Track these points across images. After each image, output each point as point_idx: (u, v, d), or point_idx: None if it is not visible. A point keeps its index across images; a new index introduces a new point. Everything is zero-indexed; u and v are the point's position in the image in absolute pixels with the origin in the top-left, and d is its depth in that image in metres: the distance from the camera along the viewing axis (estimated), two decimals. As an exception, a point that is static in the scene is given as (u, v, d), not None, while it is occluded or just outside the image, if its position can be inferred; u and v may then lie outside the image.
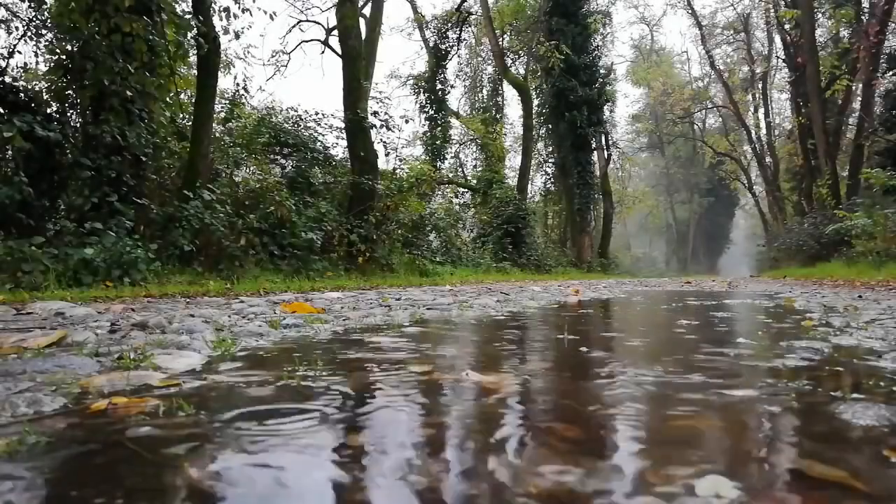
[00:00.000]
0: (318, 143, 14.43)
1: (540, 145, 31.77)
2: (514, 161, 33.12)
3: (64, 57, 7.98)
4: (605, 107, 29.92)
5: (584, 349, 2.21)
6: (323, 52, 28.11)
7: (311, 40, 25.87)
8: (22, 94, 7.66)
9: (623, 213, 44.54)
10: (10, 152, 7.07)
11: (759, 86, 35.64)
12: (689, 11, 35.51)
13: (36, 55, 8.94)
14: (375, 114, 13.69)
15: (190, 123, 10.30)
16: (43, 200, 7.37)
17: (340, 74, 13.03)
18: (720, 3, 45.92)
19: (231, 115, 13.86)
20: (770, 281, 15.61)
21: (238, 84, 15.55)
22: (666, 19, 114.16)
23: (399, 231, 14.36)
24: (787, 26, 25.55)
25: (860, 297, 5.69)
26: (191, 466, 0.85)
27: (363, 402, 1.29)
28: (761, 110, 36.42)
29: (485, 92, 31.27)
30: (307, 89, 75.37)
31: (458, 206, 23.83)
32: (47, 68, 8.46)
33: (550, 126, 29.03)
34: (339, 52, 14.53)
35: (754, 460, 0.90)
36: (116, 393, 1.31)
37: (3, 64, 8.00)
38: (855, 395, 1.31)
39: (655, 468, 0.86)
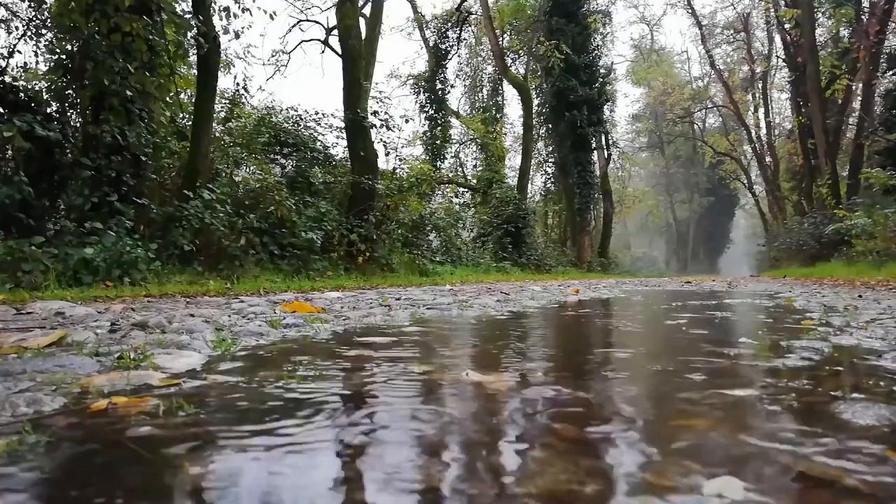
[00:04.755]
0: (318, 143, 14.43)
1: (540, 145, 31.77)
2: (514, 161, 33.14)
3: (64, 57, 7.98)
4: (605, 106, 29.93)
5: (583, 349, 2.21)
6: (323, 52, 28.17)
7: (311, 40, 25.95)
8: (22, 94, 7.66)
9: (623, 213, 44.55)
10: (10, 152, 7.07)
11: (759, 85, 35.64)
12: (689, 11, 35.50)
13: (36, 55, 8.94)
14: (375, 113, 13.69)
15: (190, 123, 10.30)
16: (43, 200, 7.37)
17: (340, 74, 13.03)
18: (720, 2, 46.14)
19: (231, 115, 13.85)
20: (770, 280, 15.61)
21: (238, 84, 15.54)
22: (666, 19, 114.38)
23: (399, 231, 14.36)
24: (787, 26, 25.55)
25: (860, 296, 5.69)
26: (191, 466, 0.85)
27: (363, 401, 1.29)
28: (761, 110, 36.45)
29: (485, 92, 31.29)
30: (307, 89, 75.41)
31: (458, 206, 23.82)
32: (47, 68, 8.45)
33: (550, 126, 29.02)
34: (339, 51, 14.53)
35: (754, 460, 0.90)
36: (116, 393, 1.31)
37: (3, 64, 8.00)
38: (855, 395, 1.31)
39: (655, 469, 0.85)
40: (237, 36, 10.05)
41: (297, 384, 1.45)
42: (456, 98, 32.62)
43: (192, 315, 3.22)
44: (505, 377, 1.56)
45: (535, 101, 28.37)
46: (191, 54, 10.35)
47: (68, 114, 8.26)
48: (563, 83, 26.25)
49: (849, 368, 1.72)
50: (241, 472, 0.83)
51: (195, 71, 10.43)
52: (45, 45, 8.76)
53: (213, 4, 9.56)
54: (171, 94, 9.80)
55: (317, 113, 14.63)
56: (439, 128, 27.89)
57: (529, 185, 29.94)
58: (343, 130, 13.53)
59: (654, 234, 65.96)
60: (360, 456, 0.91)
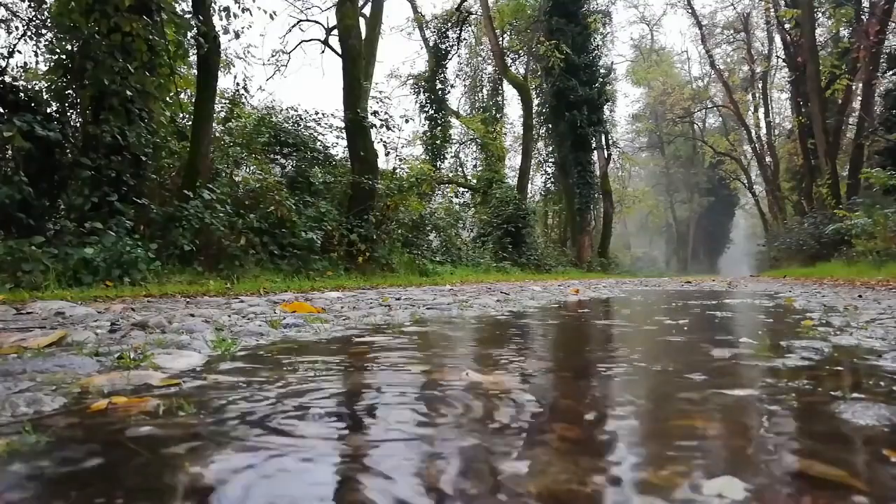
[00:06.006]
0: (318, 143, 14.43)
1: (540, 145, 31.78)
2: (514, 161, 33.17)
3: (64, 57, 7.98)
4: (605, 106, 29.94)
5: (584, 348, 2.21)
6: (323, 52, 28.22)
7: (311, 40, 25.99)
8: (22, 94, 7.66)
9: (623, 213, 44.55)
10: (10, 152, 7.07)
11: (759, 85, 35.64)
12: (689, 11, 35.49)
13: (36, 55, 8.94)
14: (375, 113, 13.68)
15: (190, 123, 10.30)
16: (43, 200, 7.37)
17: (340, 74, 13.04)
18: (720, 2, 46.13)
19: (231, 115, 13.86)
20: (770, 280, 15.61)
21: (238, 84, 15.54)
22: (666, 19, 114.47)
23: (399, 231, 14.36)
24: (787, 26, 25.55)
25: (860, 296, 5.69)
26: (191, 466, 0.85)
27: (363, 402, 1.29)
28: (761, 110, 36.44)
29: (485, 92, 31.31)
30: (307, 89, 75.45)
31: (458, 206, 23.84)
32: (47, 68, 8.45)
33: (550, 126, 29.03)
34: (339, 51, 14.53)
35: (754, 460, 0.90)
36: (116, 393, 1.31)
37: (3, 64, 8.00)
38: (855, 395, 1.31)
39: (655, 468, 0.85)
40: (237, 36, 10.06)
41: (297, 384, 1.44)
42: (456, 98, 32.70)
43: (192, 315, 3.22)
44: (505, 377, 1.56)
45: (535, 101, 28.38)
46: (191, 54, 10.35)
47: (68, 114, 8.26)
48: (563, 83, 26.25)
49: (849, 368, 1.72)
50: (241, 472, 0.83)
51: (195, 71, 10.43)
52: (45, 45, 8.76)
53: (213, 4, 9.56)
54: (171, 94, 9.80)
55: (317, 113, 14.65)
56: (439, 128, 27.90)
57: (529, 185, 29.97)
58: (343, 130, 13.54)
59: (654, 234, 65.97)
60: (360, 456, 0.91)
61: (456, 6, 28.31)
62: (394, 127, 14.26)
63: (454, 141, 29.87)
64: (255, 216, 9.74)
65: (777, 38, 31.74)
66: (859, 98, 22.74)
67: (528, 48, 28.11)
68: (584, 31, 27.06)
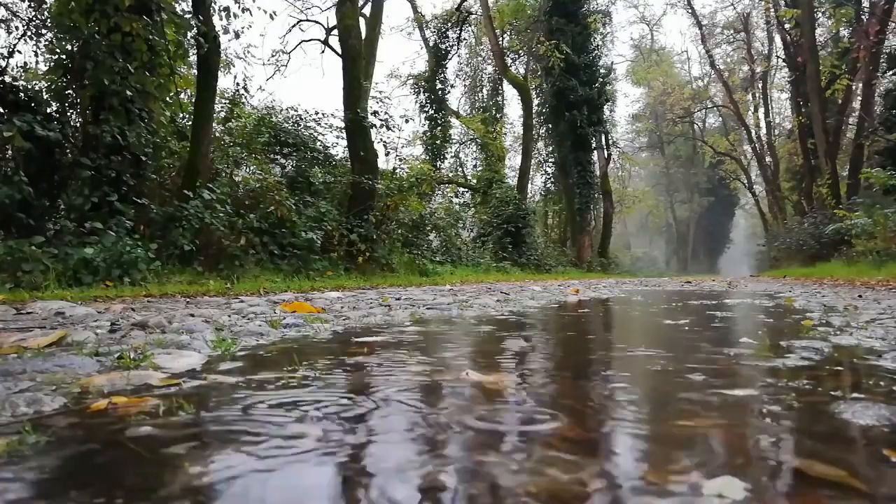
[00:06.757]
0: (318, 143, 14.43)
1: (540, 145, 31.78)
2: (514, 161, 33.17)
3: (64, 57, 7.98)
4: (605, 106, 29.93)
5: (583, 349, 2.21)
6: (323, 52, 28.25)
7: (311, 40, 26.03)
8: (22, 94, 7.66)
9: (623, 213, 44.55)
10: (10, 152, 7.07)
11: (759, 85, 35.63)
12: (689, 11, 35.48)
13: (36, 55, 8.94)
14: (375, 113, 13.68)
15: (190, 123, 10.30)
16: (43, 200, 7.37)
17: (340, 74, 13.04)
18: (720, 2, 46.13)
19: (231, 115, 13.86)
20: (770, 280, 15.61)
21: (238, 84, 15.53)
22: (666, 19, 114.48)
23: (399, 231, 14.36)
24: (787, 26, 25.54)
25: (860, 296, 5.69)
26: (191, 466, 0.85)
27: (363, 402, 1.29)
28: (761, 110, 36.43)
29: (485, 92, 31.31)
30: (307, 89, 75.50)
31: (458, 206, 23.82)
32: (47, 68, 8.45)
33: (550, 126, 29.04)
34: (339, 51, 14.53)
35: (754, 460, 0.90)
36: (116, 393, 1.31)
37: (3, 64, 8.00)
38: (855, 395, 1.31)
39: (655, 468, 0.85)
40: (237, 36, 10.06)
41: (297, 384, 1.44)
42: (456, 98, 32.71)
43: (192, 315, 3.22)
44: (505, 377, 1.56)
45: (535, 101, 28.38)
46: (191, 54, 10.35)
47: (68, 114, 8.26)
48: (563, 83, 26.25)
49: (849, 368, 1.72)
50: (240, 472, 0.83)
51: (195, 71, 10.43)
52: (45, 45, 8.76)
53: (213, 4, 9.56)
54: (171, 94, 9.80)
55: (317, 113, 14.65)
56: (439, 128, 27.91)
57: (529, 185, 29.97)
58: (343, 130, 13.53)
59: (654, 234, 65.98)
60: (360, 456, 0.91)
61: (456, 6, 28.33)
62: (394, 127, 14.28)
63: (454, 141, 29.89)
64: (255, 216, 9.74)
65: (777, 38, 31.75)
66: (859, 98, 22.74)
67: (528, 48, 28.11)
68: (584, 31, 27.06)
